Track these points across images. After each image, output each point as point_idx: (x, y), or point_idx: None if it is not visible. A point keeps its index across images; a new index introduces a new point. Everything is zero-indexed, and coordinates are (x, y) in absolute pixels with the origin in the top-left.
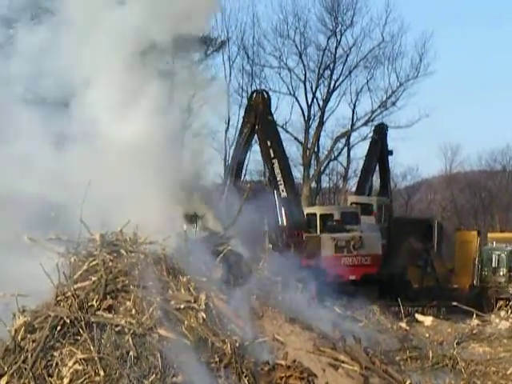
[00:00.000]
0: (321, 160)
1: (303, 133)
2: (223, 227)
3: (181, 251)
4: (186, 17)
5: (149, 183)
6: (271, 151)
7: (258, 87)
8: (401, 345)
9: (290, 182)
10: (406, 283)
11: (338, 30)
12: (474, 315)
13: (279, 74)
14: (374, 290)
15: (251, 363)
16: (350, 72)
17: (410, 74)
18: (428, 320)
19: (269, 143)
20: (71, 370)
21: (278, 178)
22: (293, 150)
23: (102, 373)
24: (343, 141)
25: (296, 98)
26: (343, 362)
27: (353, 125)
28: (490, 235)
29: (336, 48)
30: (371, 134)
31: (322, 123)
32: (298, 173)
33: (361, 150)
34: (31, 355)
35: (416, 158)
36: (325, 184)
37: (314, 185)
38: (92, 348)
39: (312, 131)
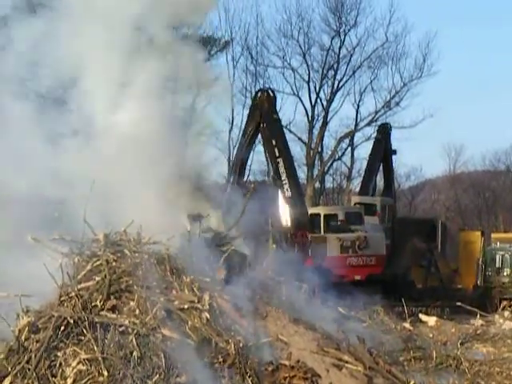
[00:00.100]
0: (324, 160)
1: (307, 133)
2: (227, 227)
3: (184, 251)
4: (185, 8)
5: (149, 180)
6: (276, 150)
7: (262, 87)
8: (404, 345)
9: (295, 182)
10: (410, 283)
11: (341, 30)
12: (478, 315)
13: (283, 74)
14: (378, 290)
15: (255, 363)
16: (354, 72)
17: (414, 74)
18: (432, 320)
19: (274, 142)
20: (75, 371)
21: (282, 178)
22: (296, 151)
23: (105, 373)
24: (347, 141)
25: (300, 98)
26: (347, 362)
27: (356, 125)
28: (493, 235)
29: (340, 48)
30: (375, 134)
31: (325, 123)
32: (301, 173)
33: (364, 150)
34: (35, 355)
35: (420, 158)
36: (328, 184)
37: (317, 185)
38: (96, 348)
39: (316, 131)
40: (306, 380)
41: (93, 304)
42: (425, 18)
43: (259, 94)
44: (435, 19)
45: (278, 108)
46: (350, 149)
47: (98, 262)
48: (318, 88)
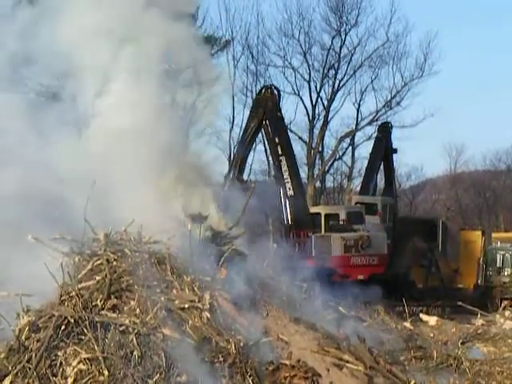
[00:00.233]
0: (325, 160)
1: (308, 132)
2: (227, 226)
3: (185, 251)
4: None
5: (141, 170)
6: (279, 148)
7: (266, 84)
8: (405, 345)
9: (297, 180)
10: (411, 283)
11: (342, 29)
12: (479, 315)
13: (284, 74)
14: (381, 289)
15: (255, 363)
16: (355, 72)
17: (415, 73)
18: (432, 320)
19: (277, 140)
20: (75, 370)
21: (285, 176)
22: (297, 150)
23: (106, 372)
24: (348, 140)
25: (300, 98)
26: (348, 361)
27: (357, 124)
28: (494, 235)
29: (340, 48)
30: (376, 134)
31: (326, 123)
32: (302, 172)
33: (365, 150)
34: (35, 355)
35: (420, 158)
36: (329, 184)
37: (318, 184)
38: (96, 347)
39: (316, 131)
40: (306, 379)
41: (93, 303)
42: (426, 17)
43: (263, 91)
44: (436, 19)
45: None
46: (350, 148)
47: (98, 262)
48: (318, 87)
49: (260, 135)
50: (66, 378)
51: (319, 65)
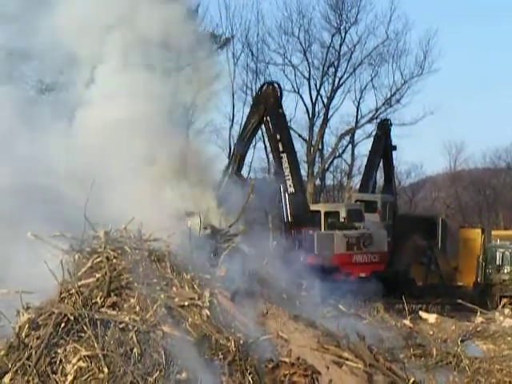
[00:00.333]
0: (325, 157)
1: (307, 130)
2: (227, 224)
3: (185, 248)
4: None
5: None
6: (280, 145)
7: (268, 81)
8: (405, 342)
9: (298, 178)
10: (410, 281)
11: (342, 27)
12: (478, 313)
13: (283, 72)
14: (382, 287)
15: (255, 360)
16: (355, 69)
17: (415, 71)
18: (432, 317)
19: (278, 137)
20: (75, 367)
21: (285, 173)
22: (297, 148)
23: (105, 370)
24: (347, 138)
25: (300, 96)
26: (347, 359)
27: (357, 122)
28: (494, 233)
29: (340, 45)
30: (375, 131)
31: (326, 120)
32: (302, 170)
33: (365, 148)
34: (35, 352)
35: (420, 156)
36: (329, 181)
37: (318, 182)
38: (96, 345)
39: (316, 128)
40: (306, 377)
41: (93, 301)
42: (425, 15)
43: (265, 88)
44: (436, 17)
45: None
46: (350, 146)
47: (98, 259)
48: (318, 85)
49: (260, 132)
50: (65, 376)
51: (319, 62)
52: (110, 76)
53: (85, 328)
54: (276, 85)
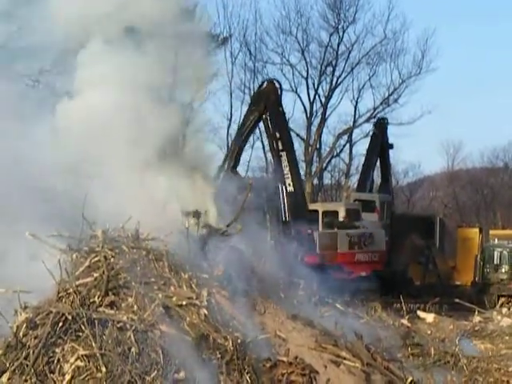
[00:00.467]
0: (323, 157)
1: (305, 129)
2: (225, 223)
3: (183, 248)
4: None
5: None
6: (280, 143)
7: (269, 78)
8: (402, 342)
9: (298, 176)
10: (408, 280)
11: (340, 26)
12: (476, 312)
13: (281, 71)
14: (381, 286)
15: (253, 360)
16: (353, 69)
17: (413, 70)
18: (430, 317)
19: (278, 135)
20: (73, 367)
21: (285, 172)
22: (295, 147)
23: (103, 369)
24: (345, 137)
25: (298, 95)
26: (345, 358)
27: (355, 121)
28: (491, 232)
29: (338, 45)
30: (372, 130)
31: (324, 120)
32: (300, 169)
33: (363, 147)
34: (33, 351)
35: (418, 155)
36: (327, 181)
37: (315, 181)
38: (94, 344)
39: (314, 128)
40: (303, 376)
41: (91, 300)
42: (423, 14)
43: (265, 85)
44: (434, 16)
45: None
46: (348, 145)
47: (96, 259)
48: (316, 84)
49: (258, 132)
50: (63, 375)
51: (317, 62)
52: (94, 63)
53: (82, 327)
54: (276, 82)
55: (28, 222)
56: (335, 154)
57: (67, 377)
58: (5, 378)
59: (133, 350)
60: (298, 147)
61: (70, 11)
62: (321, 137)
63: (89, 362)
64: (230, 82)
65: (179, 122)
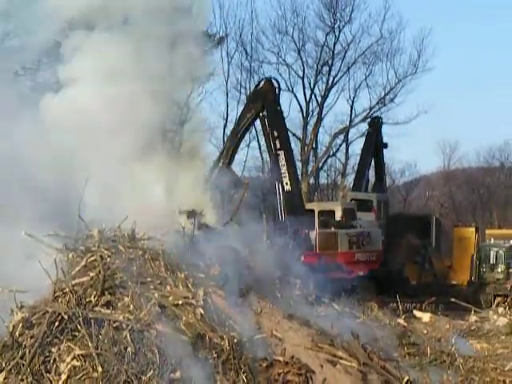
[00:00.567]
0: (319, 156)
1: (301, 129)
2: (221, 223)
3: (179, 247)
4: None
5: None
6: (278, 142)
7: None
8: (399, 341)
9: (295, 176)
10: (405, 279)
11: (336, 26)
12: (472, 312)
13: (277, 70)
14: (374, 286)
15: (249, 359)
16: (349, 68)
17: (409, 70)
18: (426, 316)
19: (275, 134)
20: (69, 366)
21: (282, 171)
22: None
23: (99, 369)
24: (341, 137)
25: (294, 94)
26: (341, 358)
27: (351, 121)
28: (488, 232)
29: (334, 44)
30: (367, 129)
31: (320, 119)
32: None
33: (359, 147)
34: (29, 351)
35: (414, 155)
36: (323, 180)
37: (312, 181)
38: (90, 344)
39: (310, 127)
40: (300, 376)
41: (87, 300)
42: (419, 14)
43: (263, 83)
44: (430, 16)
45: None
46: (344, 145)
47: (92, 258)
48: (312, 84)
49: (254, 131)
50: (59, 375)
51: (313, 61)
52: (80, 55)
53: (79, 327)
54: (275, 81)
55: (23, 220)
56: (331, 153)
57: (63, 376)
58: (1, 377)
59: (129, 349)
60: (294, 147)
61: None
62: (317, 136)
63: (85, 361)
64: (226, 82)
65: (169, 114)
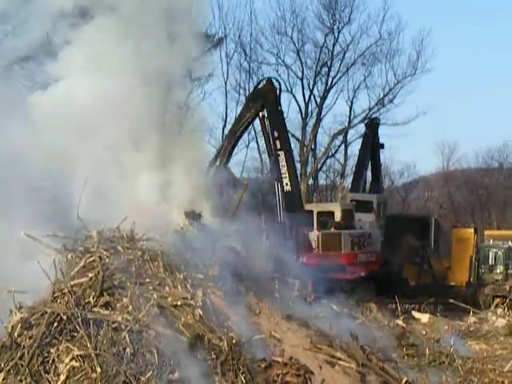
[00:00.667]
0: (318, 157)
1: (300, 130)
2: (221, 223)
3: (178, 248)
4: None
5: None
6: (278, 142)
7: (255, 84)
8: (397, 342)
9: (295, 176)
10: (403, 280)
11: (335, 27)
12: (471, 313)
13: (277, 71)
14: (373, 287)
15: (248, 360)
16: (348, 69)
17: (408, 71)
18: (425, 317)
19: (276, 134)
20: (68, 367)
21: (282, 171)
22: None
23: (98, 369)
24: (340, 138)
25: (293, 95)
26: (340, 359)
27: (350, 122)
28: (486, 233)
29: (333, 45)
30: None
31: (319, 120)
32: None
33: (358, 148)
34: (28, 352)
35: (413, 156)
36: (322, 181)
37: (311, 182)
38: (89, 345)
39: (309, 128)
40: (298, 377)
41: (86, 300)
42: (418, 15)
43: (264, 83)
44: (429, 16)
45: None
46: (343, 146)
47: (91, 259)
48: (311, 85)
49: (253, 132)
50: (58, 375)
51: (312, 62)
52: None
53: (77, 327)
54: (276, 81)
55: (22, 221)
56: (330, 154)
57: (62, 377)
58: (0, 378)
59: (128, 350)
60: (293, 147)
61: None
62: (316, 137)
63: (84, 362)
64: (225, 83)
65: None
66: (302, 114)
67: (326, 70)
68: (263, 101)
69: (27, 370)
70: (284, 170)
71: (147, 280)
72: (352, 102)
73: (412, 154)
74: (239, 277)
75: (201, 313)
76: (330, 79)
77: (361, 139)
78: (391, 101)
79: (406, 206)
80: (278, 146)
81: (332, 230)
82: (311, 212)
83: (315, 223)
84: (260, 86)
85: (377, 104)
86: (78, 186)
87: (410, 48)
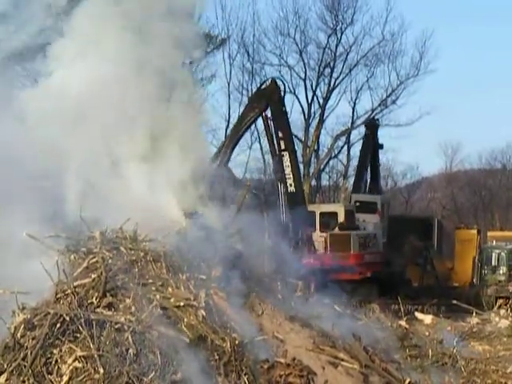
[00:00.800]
0: (321, 158)
1: (303, 131)
2: (223, 224)
3: (181, 249)
4: None
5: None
6: (282, 143)
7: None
8: (400, 343)
9: (299, 177)
10: (406, 281)
11: (338, 28)
12: (474, 314)
13: (279, 72)
14: (376, 287)
15: (251, 361)
16: (351, 70)
17: (411, 72)
18: (428, 318)
19: (280, 134)
20: (71, 368)
21: (286, 172)
22: None
23: (101, 370)
24: (343, 139)
25: (296, 96)
26: (343, 360)
27: (353, 123)
28: (489, 234)
29: (336, 46)
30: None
31: (322, 121)
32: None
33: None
34: (31, 352)
35: (416, 157)
36: (325, 182)
37: (313, 183)
38: (91, 345)
39: (312, 129)
40: (301, 378)
41: (89, 301)
42: (421, 16)
43: (269, 83)
44: (432, 17)
45: None
46: (346, 147)
47: (94, 260)
48: (314, 86)
49: (256, 133)
50: (61, 376)
51: (315, 63)
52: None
53: (80, 328)
54: (280, 82)
55: (23, 221)
56: (333, 155)
57: (65, 378)
58: (3, 378)
59: (130, 351)
60: (296, 148)
61: None
62: (319, 138)
63: (86, 363)
64: (228, 84)
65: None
66: (304, 115)
67: (329, 70)
68: (267, 101)
69: (30, 371)
70: (288, 170)
71: (150, 281)
72: (355, 103)
73: (415, 154)
74: (242, 277)
75: (204, 313)
76: (333, 80)
77: None
78: (394, 102)
79: (408, 206)
80: (283, 147)
81: (336, 230)
82: (314, 213)
83: (318, 224)
84: (264, 86)
85: (380, 105)
86: (71, 183)
87: (412, 49)
